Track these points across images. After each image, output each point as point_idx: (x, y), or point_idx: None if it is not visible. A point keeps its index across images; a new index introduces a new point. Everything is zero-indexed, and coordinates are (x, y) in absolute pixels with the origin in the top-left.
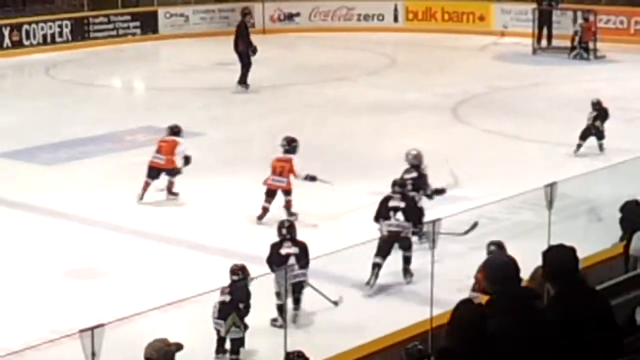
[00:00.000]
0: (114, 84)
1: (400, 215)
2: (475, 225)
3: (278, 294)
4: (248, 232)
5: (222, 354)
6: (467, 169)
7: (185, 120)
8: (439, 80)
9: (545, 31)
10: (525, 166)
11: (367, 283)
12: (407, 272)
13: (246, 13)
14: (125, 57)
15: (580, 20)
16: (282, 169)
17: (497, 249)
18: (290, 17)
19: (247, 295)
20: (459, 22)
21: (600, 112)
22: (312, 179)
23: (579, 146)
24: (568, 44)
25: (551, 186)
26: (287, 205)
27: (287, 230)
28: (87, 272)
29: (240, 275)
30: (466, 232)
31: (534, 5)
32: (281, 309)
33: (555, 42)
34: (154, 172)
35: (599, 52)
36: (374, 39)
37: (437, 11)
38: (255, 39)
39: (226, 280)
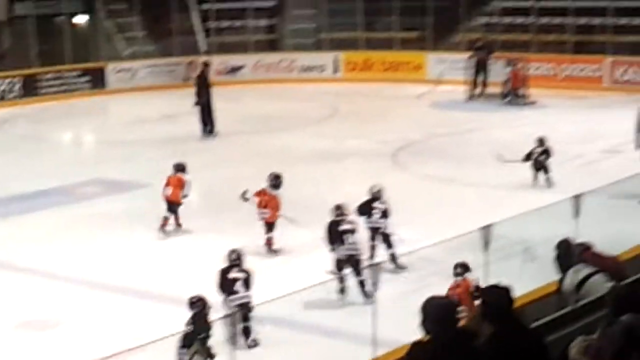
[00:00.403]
0: (64, 138)
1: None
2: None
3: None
4: (198, 278)
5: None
6: (405, 213)
7: (134, 172)
8: (379, 128)
9: (480, 78)
10: (462, 209)
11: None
12: (365, 294)
13: (207, 64)
14: (75, 112)
15: (510, 68)
16: (267, 203)
17: (462, 271)
18: (234, 70)
19: (208, 324)
20: (397, 72)
21: (546, 149)
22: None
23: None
24: (501, 90)
25: (487, 228)
26: (268, 243)
27: (237, 256)
28: (39, 324)
29: (199, 307)
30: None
31: (468, 54)
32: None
33: (488, 90)
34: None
35: (530, 98)
36: (315, 90)
37: (375, 62)
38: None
39: (177, 328)
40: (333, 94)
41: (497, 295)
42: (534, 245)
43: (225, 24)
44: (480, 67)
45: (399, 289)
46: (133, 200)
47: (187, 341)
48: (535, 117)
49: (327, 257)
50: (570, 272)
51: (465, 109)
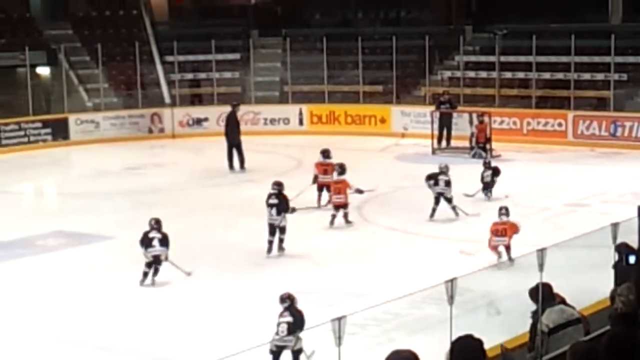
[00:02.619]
0: (25, 190)
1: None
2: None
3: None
4: (161, 333)
5: None
6: (370, 266)
7: (95, 224)
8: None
9: (444, 132)
10: (427, 262)
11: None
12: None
13: (236, 104)
14: (36, 163)
15: (475, 122)
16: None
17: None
18: (198, 122)
19: (302, 316)
20: (361, 125)
21: (494, 169)
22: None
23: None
24: (466, 144)
25: (452, 281)
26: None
27: (155, 222)
28: None
29: (288, 302)
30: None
31: (432, 108)
32: None
33: (453, 143)
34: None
35: (495, 152)
36: (280, 142)
37: (340, 114)
38: (164, 143)
39: None
40: (298, 146)
41: (469, 346)
42: (499, 299)
43: (189, 76)
44: (445, 121)
45: (363, 344)
46: (96, 252)
47: (292, 330)
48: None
49: None
50: (548, 311)
51: (430, 161)
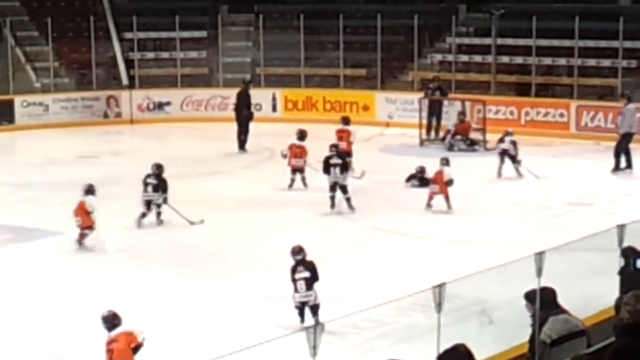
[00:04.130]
0: None
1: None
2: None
3: None
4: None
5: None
6: (351, 268)
7: (43, 218)
8: (321, 173)
9: (434, 122)
10: (414, 265)
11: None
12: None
13: (249, 82)
14: None
15: (455, 121)
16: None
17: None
18: (160, 106)
19: (315, 267)
20: (342, 112)
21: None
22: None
23: None
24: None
25: (440, 287)
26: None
27: (156, 167)
28: None
29: (301, 255)
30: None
31: (420, 95)
32: None
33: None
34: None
35: (489, 144)
36: (251, 131)
37: (318, 100)
38: (122, 129)
39: None
40: (270, 135)
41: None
42: (492, 307)
43: (150, 55)
44: (434, 109)
45: (343, 353)
46: (43, 249)
47: (310, 285)
48: (495, 166)
49: None
50: (552, 319)
51: (418, 153)
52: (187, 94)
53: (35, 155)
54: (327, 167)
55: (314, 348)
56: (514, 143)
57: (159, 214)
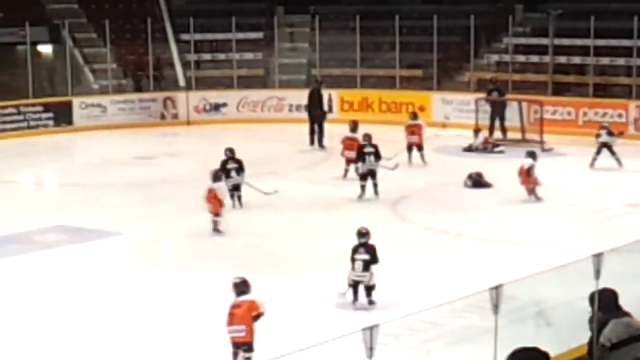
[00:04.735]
0: (23, 180)
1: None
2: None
3: None
4: (171, 338)
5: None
6: (406, 269)
7: (100, 219)
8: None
9: (496, 123)
10: (470, 266)
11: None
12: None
13: (320, 81)
14: (36, 151)
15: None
16: (352, 145)
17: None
18: (216, 107)
19: (375, 252)
20: (397, 113)
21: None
22: None
23: None
24: (518, 136)
25: (497, 289)
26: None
27: (230, 151)
28: None
29: (367, 237)
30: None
31: (477, 96)
32: None
33: (497, 135)
34: None
35: (546, 145)
36: (306, 131)
37: (374, 101)
38: (178, 130)
39: None
40: (327, 136)
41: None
42: (549, 309)
43: (206, 56)
44: (497, 111)
45: (398, 356)
46: (100, 250)
47: (367, 267)
48: (554, 167)
49: None
50: (613, 323)
51: (474, 155)
52: (243, 95)
53: (93, 157)
54: (361, 155)
55: (371, 349)
56: (610, 134)
57: (239, 197)
